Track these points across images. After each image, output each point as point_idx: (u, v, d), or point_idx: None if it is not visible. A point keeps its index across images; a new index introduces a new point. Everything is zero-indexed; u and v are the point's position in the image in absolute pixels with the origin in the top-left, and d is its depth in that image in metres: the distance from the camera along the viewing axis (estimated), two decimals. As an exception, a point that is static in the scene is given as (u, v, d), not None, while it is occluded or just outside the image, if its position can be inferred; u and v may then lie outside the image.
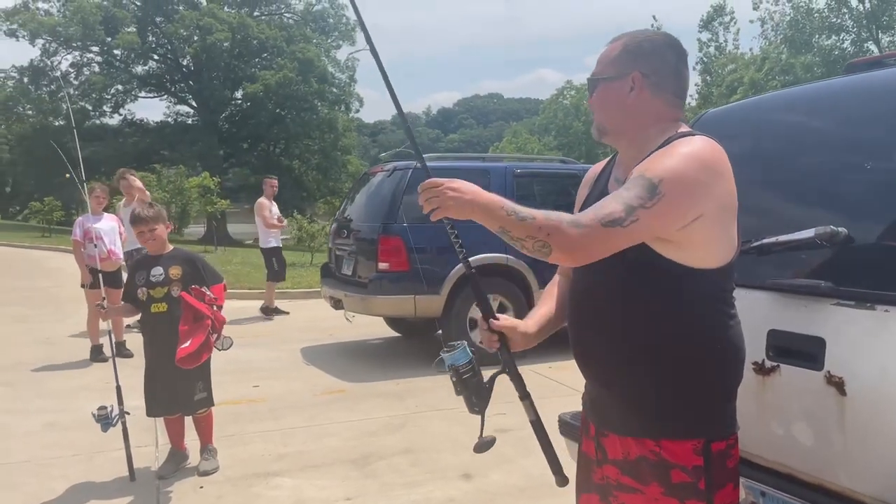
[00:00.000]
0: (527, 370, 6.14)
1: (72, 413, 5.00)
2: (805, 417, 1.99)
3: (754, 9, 32.31)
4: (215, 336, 3.77)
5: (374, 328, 8.05)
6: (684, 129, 1.69)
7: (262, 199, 9.83)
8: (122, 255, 7.07)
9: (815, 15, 30.71)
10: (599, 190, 1.79)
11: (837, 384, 1.88)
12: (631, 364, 1.64)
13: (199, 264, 3.98)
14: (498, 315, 1.85)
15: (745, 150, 2.39)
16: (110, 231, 7.00)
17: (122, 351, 6.58)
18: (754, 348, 2.11)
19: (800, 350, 2.00)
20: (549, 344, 2.00)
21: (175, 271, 3.86)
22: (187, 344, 3.62)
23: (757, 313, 2.14)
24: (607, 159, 1.88)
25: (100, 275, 5.64)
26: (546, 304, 1.95)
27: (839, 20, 30.65)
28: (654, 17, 33.27)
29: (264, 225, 9.64)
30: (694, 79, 38.28)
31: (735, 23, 34.84)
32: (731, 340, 1.67)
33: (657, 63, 1.69)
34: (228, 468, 4.11)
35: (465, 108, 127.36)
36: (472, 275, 1.90)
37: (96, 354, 6.78)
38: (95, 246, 6.16)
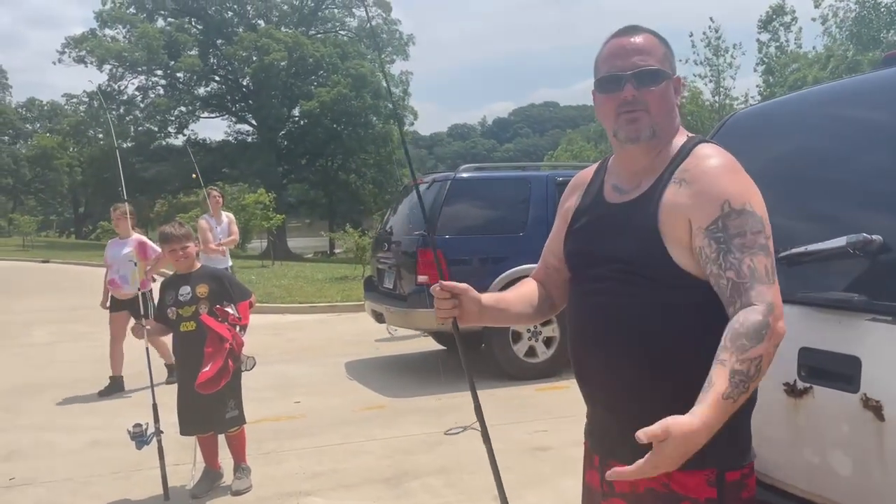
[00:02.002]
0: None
1: (116, 431, 5.06)
2: (841, 445, 1.81)
3: (816, 6, 31.18)
4: (235, 359, 3.75)
5: (419, 342, 7.99)
6: (684, 134, 1.60)
7: None
8: (125, 286, 6.32)
9: (882, 10, 29.42)
10: (592, 198, 1.66)
11: (875, 408, 1.70)
12: (638, 387, 1.50)
13: (226, 281, 3.99)
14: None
15: (772, 152, 2.23)
16: (120, 258, 6.39)
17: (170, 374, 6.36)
18: (785, 368, 1.94)
19: (834, 370, 1.83)
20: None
21: (202, 289, 3.87)
22: (207, 368, 3.62)
23: (787, 330, 1.97)
24: (594, 166, 1.76)
25: (111, 298, 6.08)
26: (512, 293, 1.81)
27: (909, 14, 29.28)
28: (711, 18, 32.39)
29: None
30: (756, 80, 37.19)
31: (796, 22, 33.66)
32: None
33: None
34: (262, 486, 4.08)
35: (520, 118, 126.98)
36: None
37: (111, 389, 6.33)
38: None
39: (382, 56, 38.89)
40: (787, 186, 2.13)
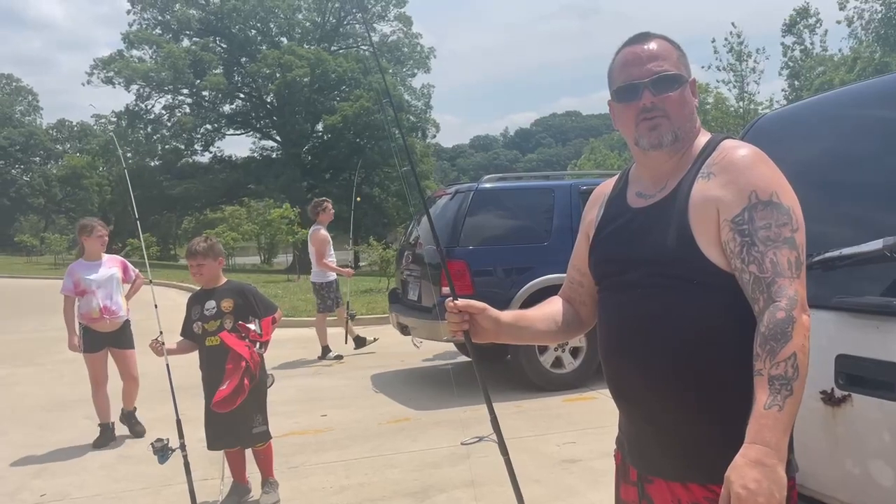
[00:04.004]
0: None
1: (145, 446, 5.10)
2: (883, 454, 1.75)
3: (841, 9, 30.80)
4: (251, 378, 3.72)
5: (444, 353, 7.96)
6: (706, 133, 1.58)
7: None
8: (121, 312, 5.44)
9: (910, 10, 28.97)
10: (616, 207, 1.63)
11: (918, 417, 1.64)
12: (683, 397, 1.45)
13: (251, 296, 3.99)
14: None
15: (802, 155, 2.18)
16: (107, 281, 5.41)
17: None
18: (822, 375, 1.89)
19: (873, 377, 1.77)
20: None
21: (227, 304, 3.89)
22: (224, 387, 3.62)
23: (823, 336, 1.91)
24: (614, 178, 1.73)
25: (81, 332, 5.23)
26: (537, 311, 1.79)
27: (937, 14, 28.79)
28: (732, 24, 32.08)
29: None
30: (781, 84, 36.79)
31: (821, 24, 33.27)
32: None
33: None
34: (289, 501, 4.08)
35: (543, 128, 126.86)
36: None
37: (105, 438, 5.36)
38: (78, 300, 5.31)
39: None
40: (818, 189, 2.07)
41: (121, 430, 5.63)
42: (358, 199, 7.86)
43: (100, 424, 5.41)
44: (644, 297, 1.48)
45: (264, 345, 3.91)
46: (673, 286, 1.44)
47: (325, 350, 8.39)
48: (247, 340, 3.80)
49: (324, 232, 8.39)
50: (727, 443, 1.36)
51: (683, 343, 1.43)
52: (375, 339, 8.55)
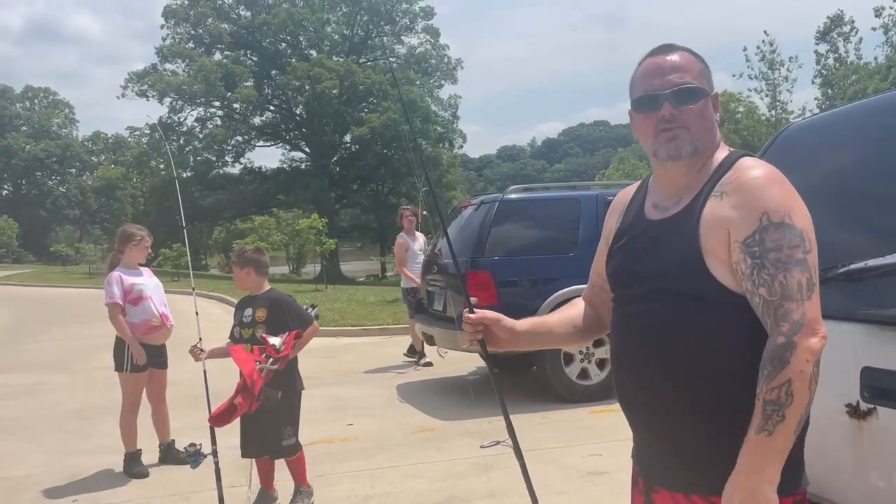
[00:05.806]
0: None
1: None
2: (910, 469, 1.73)
3: (877, 16, 30.35)
4: (247, 396, 3.63)
5: (469, 363, 7.96)
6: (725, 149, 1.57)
7: None
8: (172, 321, 5.07)
9: (947, 16, 28.42)
10: (633, 217, 1.64)
11: (945, 431, 1.62)
12: (683, 410, 1.46)
13: (284, 307, 3.99)
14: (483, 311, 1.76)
15: (828, 165, 2.17)
16: (157, 287, 5.06)
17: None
18: (847, 388, 1.87)
19: (899, 390, 1.75)
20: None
21: (260, 313, 3.94)
22: (223, 402, 3.64)
23: (848, 349, 1.90)
24: (636, 185, 1.73)
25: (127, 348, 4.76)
26: (555, 316, 1.82)
27: (974, 20, 28.20)
28: (765, 32, 31.75)
29: None
30: (814, 92, 36.31)
31: (856, 32, 32.75)
32: None
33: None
34: (315, 509, 4.11)
35: (570, 137, 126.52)
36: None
37: (132, 466, 4.86)
38: (129, 310, 4.82)
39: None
40: (845, 200, 2.06)
41: (148, 437, 5.75)
42: (424, 212, 8.08)
43: (128, 453, 4.89)
44: (649, 311, 1.50)
45: (279, 360, 3.76)
46: (677, 302, 1.45)
47: (419, 354, 8.46)
48: (263, 356, 3.75)
49: (398, 238, 8.63)
50: (728, 455, 1.38)
51: (685, 358, 1.44)
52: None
